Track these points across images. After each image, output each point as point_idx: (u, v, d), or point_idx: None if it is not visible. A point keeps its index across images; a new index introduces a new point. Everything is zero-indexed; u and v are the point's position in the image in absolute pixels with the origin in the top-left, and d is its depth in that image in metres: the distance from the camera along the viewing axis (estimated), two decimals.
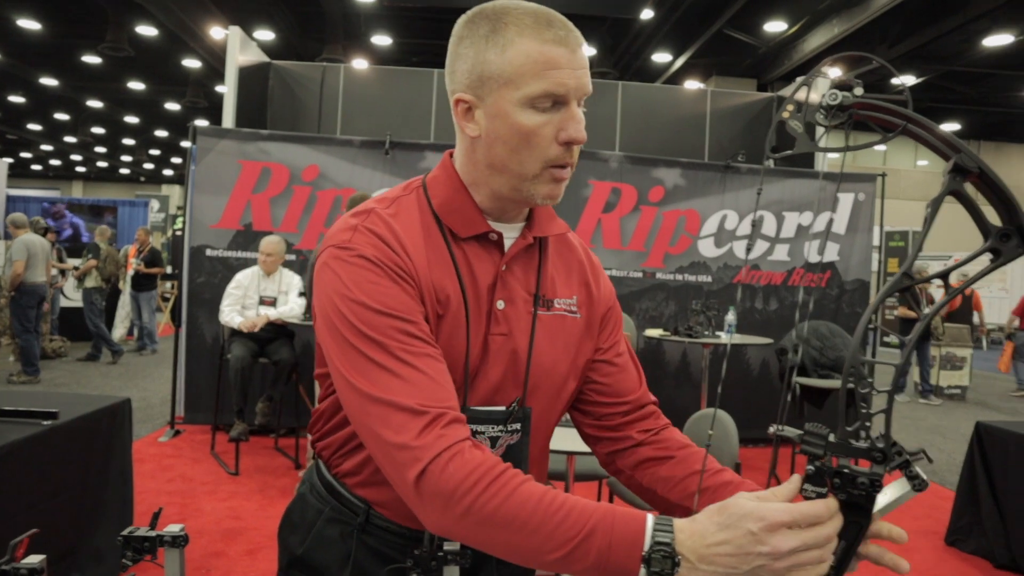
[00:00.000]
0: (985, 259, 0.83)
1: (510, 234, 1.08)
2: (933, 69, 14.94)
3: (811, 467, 0.79)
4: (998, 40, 12.80)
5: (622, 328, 1.20)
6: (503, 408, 1.05)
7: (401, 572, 1.03)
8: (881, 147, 22.53)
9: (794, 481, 0.81)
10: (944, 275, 0.84)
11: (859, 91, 0.82)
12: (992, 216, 0.84)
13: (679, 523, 0.81)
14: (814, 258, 6.54)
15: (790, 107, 0.84)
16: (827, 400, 5.66)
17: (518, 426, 1.06)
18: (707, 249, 6.45)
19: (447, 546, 1.00)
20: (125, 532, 1.01)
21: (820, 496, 0.79)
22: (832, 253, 6.64)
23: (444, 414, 0.88)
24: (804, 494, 0.79)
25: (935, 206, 0.83)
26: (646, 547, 0.79)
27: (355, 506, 1.10)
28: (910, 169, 22.33)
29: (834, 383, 5.25)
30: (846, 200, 6.59)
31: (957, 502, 4.14)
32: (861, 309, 6.63)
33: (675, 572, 0.78)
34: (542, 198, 1.01)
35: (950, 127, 20.52)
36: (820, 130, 0.84)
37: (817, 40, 12.22)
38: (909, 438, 7.16)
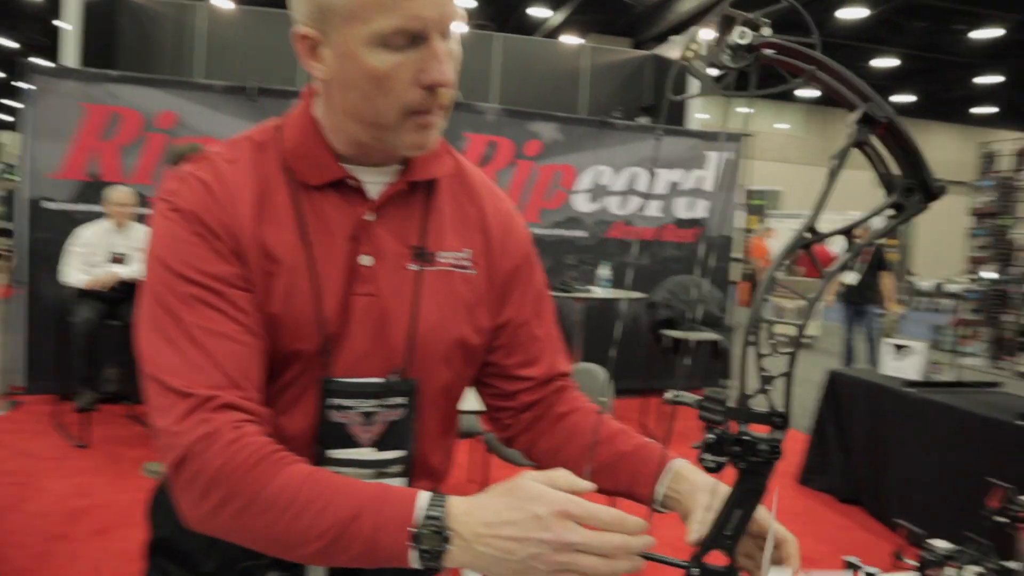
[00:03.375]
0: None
1: (379, 179, 0.95)
2: (793, 36, 15.66)
3: (711, 436, 0.74)
4: (853, 12, 13.55)
5: (541, 288, 1.08)
6: (379, 380, 0.94)
7: (256, 570, 0.91)
8: (786, 92, 23.58)
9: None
10: (848, 231, 0.80)
11: (767, 31, 0.76)
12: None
13: (456, 500, 0.75)
14: (684, 214, 6.76)
15: (694, 46, 0.77)
16: (697, 352, 5.90)
17: (402, 400, 0.95)
18: (582, 204, 6.50)
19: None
20: None
21: (719, 465, 0.74)
22: (701, 210, 6.87)
23: (214, 398, 0.79)
24: (703, 463, 0.74)
25: (842, 157, 0.78)
26: (417, 524, 0.72)
27: None
28: (769, 131, 23.47)
29: (705, 335, 5.46)
30: (715, 159, 6.81)
31: (811, 444, 4.43)
32: (726, 264, 6.92)
33: (445, 550, 0.72)
34: (408, 149, 0.90)
35: (808, 93, 21.71)
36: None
37: (691, 2, 12.48)
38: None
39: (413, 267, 0.95)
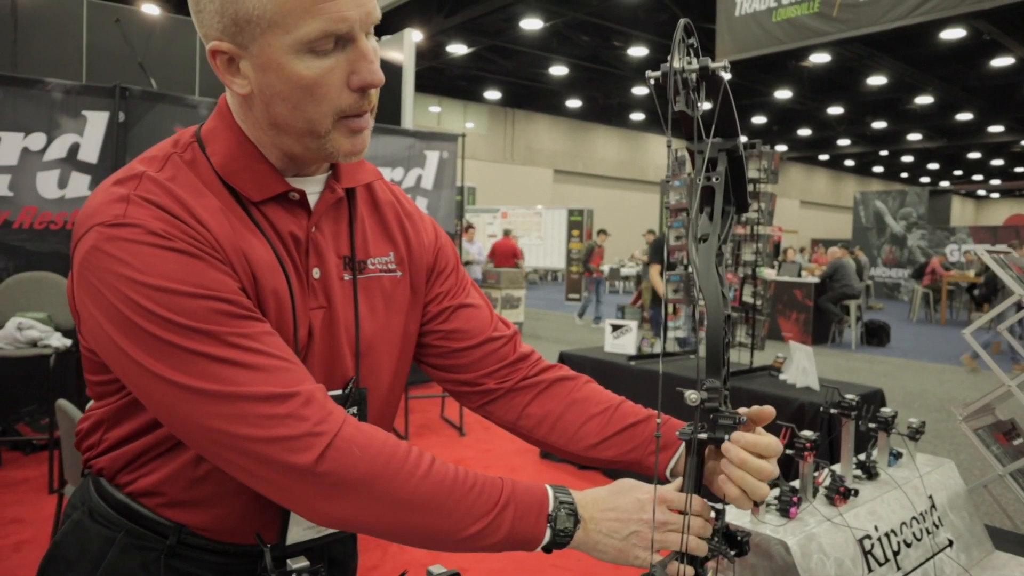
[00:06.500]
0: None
1: (312, 189, 0.93)
2: (480, 41, 16.74)
3: (730, 421, 0.82)
4: (531, 24, 14.87)
5: (460, 265, 1.10)
6: (338, 392, 0.93)
7: None
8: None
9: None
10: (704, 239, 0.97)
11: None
12: None
13: (573, 491, 0.85)
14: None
15: (679, 100, 0.82)
16: None
17: (355, 410, 0.95)
18: None
19: (293, 564, 0.85)
20: None
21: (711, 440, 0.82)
22: (422, 207, 7.07)
23: (317, 389, 0.79)
24: (685, 437, 0.83)
25: (724, 178, 0.93)
26: (551, 508, 0.82)
27: (161, 526, 0.88)
28: (460, 131, 24.83)
29: None
30: (432, 158, 7.07)
31: None
32: None
33: (576, 530, 0.82)
34: (344, 155, 0.87)
35: (492, 95, 23.29)
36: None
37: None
38: None
39: (347, 277, 0.95)
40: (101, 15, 6.20)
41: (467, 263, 11.31)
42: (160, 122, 5.13)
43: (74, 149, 4.75)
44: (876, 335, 11.28)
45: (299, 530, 0.91)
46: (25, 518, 3.46)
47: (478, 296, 1.10)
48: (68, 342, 4.06)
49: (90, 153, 4.80)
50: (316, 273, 0.91)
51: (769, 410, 0.86)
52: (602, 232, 13.86)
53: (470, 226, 13.03)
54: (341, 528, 0.79)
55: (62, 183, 4.71)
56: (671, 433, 0.95)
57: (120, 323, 0.75)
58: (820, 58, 15.97)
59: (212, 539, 0.90)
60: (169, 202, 0.80)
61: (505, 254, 12.66)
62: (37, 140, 4.64)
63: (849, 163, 36.06)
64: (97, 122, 4.84)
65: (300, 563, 0.85)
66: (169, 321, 0.74)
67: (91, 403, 0.93)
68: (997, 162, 32.36)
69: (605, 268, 22.08)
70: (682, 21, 0.80)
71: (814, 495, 1.51)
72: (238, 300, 0.79)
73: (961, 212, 38.15)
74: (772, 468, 0.81)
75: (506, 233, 13.79)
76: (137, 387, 0.77)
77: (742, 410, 0.86)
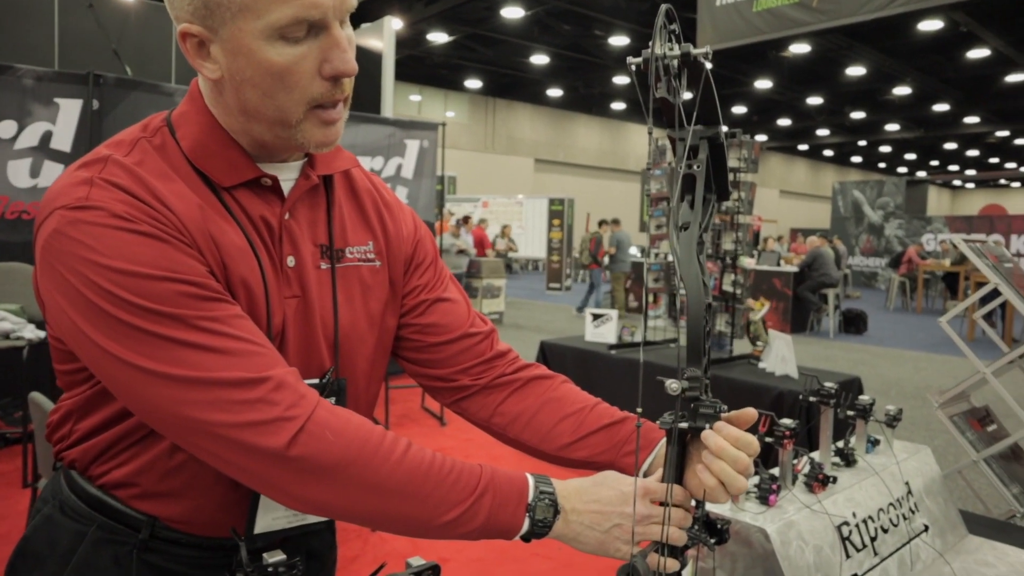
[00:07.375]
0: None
1: (287, 175, 0.90)
2: (461, 30, 16.63)
3: (711, 410, 0.81)
4: (513, 12, 14.79)
5: (437, 257, 1.07)
6: (315, 381, 0.91)
7: None
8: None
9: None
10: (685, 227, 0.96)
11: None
12: None
13: (555, 480, 0.84)
14: None
15: (637, 60, 0.81)
16: None
17: (332, 400, 0.92)
18: None
19: (270, 558, 0.84)
20: None
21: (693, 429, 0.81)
22: (402, 196, 7.05)
23: (288, 373, 0.77)
24: (666, 426, 0.82)
25: (706, 166, 0.93)
26: (530, 497, 0.81)
27: (134, 520, 0.87)
28: (440, 119, 24.68)
29: None
30: (412, 147, 7.03)
31: None
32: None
33: (555, 520, 0.81)
34: (315, 146, 0.86)
35: (473, 84, 23.17)
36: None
37: None
38: None
39: (324, 266, 0.93)
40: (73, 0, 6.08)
41: (461, 252, 11.23)
42: (135, 110, 5.04)
43: (46, 137, 4.66)
44: (854, 323, 11.39)
45: (269, 519, 0.90)
46: None
47: (456, 291, 1.08)
48: (41, 334, 3.99)
49: (63, 141, 4.71)
50: (291, 261, 0.89)
51: (750, 413, 0.84)
52: (603, 223, 13.60)
53: (468, 217, 12.96)
54: (316, 513, 0.78)
55: (34, 172, 4.62)
56: (648, 434, 0.94)
57: (84, 308, 0.73)
58: (800, 48, 16.04)
59: (186, 532, 0.88)
60: (134, 185, 0.78)
61: (474, 242, 12.76)
62: (8, 128, 4.54)
63: (828, 153, 36.30)
64: (70, 110, 4.75)
65: (276, 556, 0.84)
66: (134, 305, 0.72)
67: (63, 394, 0.91)
68: (972, 153, 32.73)
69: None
70: (664, 6, 0.79)
71: (793, 482, 1.52)
72: (206, 283, 0.77)
73: (937, 202, 38.57)
74: (750, 463, 0.80)
75: (480, 223, 13.82)
76: (104, 374, 0.76)
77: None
